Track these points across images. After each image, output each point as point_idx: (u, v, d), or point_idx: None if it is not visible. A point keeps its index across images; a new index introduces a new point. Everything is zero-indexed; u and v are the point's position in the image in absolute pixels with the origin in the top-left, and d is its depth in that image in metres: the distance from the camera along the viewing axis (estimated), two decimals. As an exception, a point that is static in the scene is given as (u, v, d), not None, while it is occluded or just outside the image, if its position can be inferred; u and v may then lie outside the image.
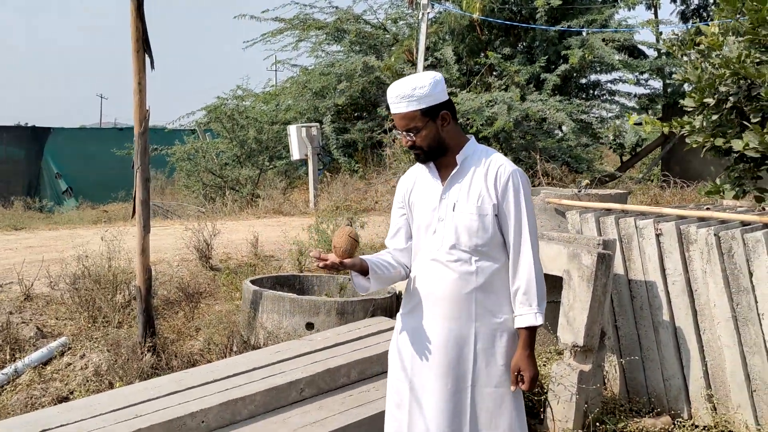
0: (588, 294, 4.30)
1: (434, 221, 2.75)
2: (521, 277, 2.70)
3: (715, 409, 4.44)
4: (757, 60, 5.66)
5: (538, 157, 13.68)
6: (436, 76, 2.71)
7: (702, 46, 6.25)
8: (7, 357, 4.77)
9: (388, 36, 17.94)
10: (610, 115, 16.90)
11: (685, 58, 6.60)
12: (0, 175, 25.36)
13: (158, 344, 4.76)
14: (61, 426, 3.17)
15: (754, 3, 5.73)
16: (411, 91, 2.64)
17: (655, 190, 14.16)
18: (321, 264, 2.65)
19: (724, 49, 5.86)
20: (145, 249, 4.72)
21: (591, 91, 17.70)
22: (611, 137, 17.70)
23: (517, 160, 14.59)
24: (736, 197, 6.22)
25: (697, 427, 4.46)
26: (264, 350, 4.27)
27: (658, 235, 4.66)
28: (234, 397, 3.55)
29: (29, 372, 4.56)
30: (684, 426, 4.43)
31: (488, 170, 2.71)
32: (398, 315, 2.95)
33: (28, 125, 27.03)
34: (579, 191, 5.40)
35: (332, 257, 2.66)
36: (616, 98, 17.35)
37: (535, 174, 13.49)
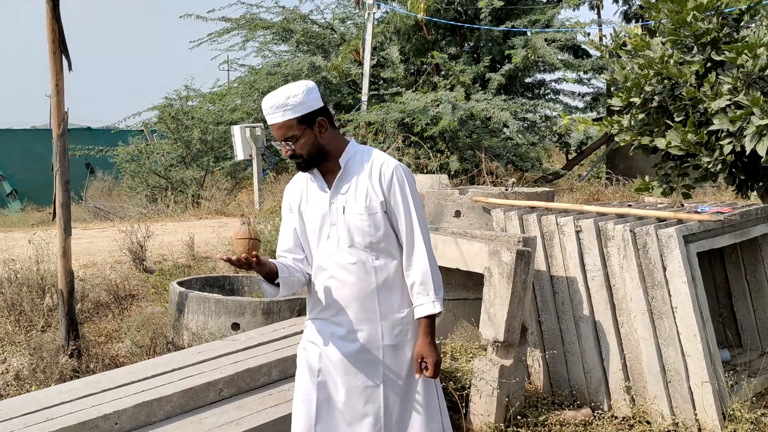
0: (508, 290, 4.38)
1: (327, 226, 2.79)
2: (416, 268, 2.76)
3: (634, 401, 4.56)
4: (680, 60, 5.83)
5: (483, 156, 13.83)
6: (308, 84, 2.74)
7: (629, 47, 6.42)
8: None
9: (335, 36, 17.98)
10: (555, 114, 17.20)
11: (612, 58, 6.77)
12: (-59, 178, 24.74)
13: (82, 347, 4.72)
14: (-32, 431, 3.14)
15: (675, 4, 5.91)
16: (285, 100, 2.67)
17: (597, 187, 14.46)
18: (225, 258, 2.64)
19: (649, 50, 6.02)
20: (66, 251, 4.67)
21: (536, 90, 17.98)
22: (556, 136, 17.99)
23: (462, 159, 14.74)
24: (663, 194, 6.40)
25: (616, 418, 4.58)
26: (186, 351, 4.27)
27: (578, 232, 4.77)
28: (149, 398, 3.54)
29: (-53, 378, 4.48)
30: (603, 417, 4.55)
31: (372, 169, 2.76)
32: (306, 320, 2.98)
33: (-30, 126, 26.39)
34: (506, 189, 5.50)
35: (238, 253, 2.68)
36: (560, 97, 17.66)
37: (479, 173, 13.65)
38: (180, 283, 5.23)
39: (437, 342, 4.58)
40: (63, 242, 4.64)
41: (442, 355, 4.89)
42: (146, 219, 9.87)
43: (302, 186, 2.90)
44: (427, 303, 2.73)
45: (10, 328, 5.27)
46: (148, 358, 4.50)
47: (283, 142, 2.72)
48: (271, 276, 2.76)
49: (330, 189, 2.80)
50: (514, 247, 4.47)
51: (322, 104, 2.77)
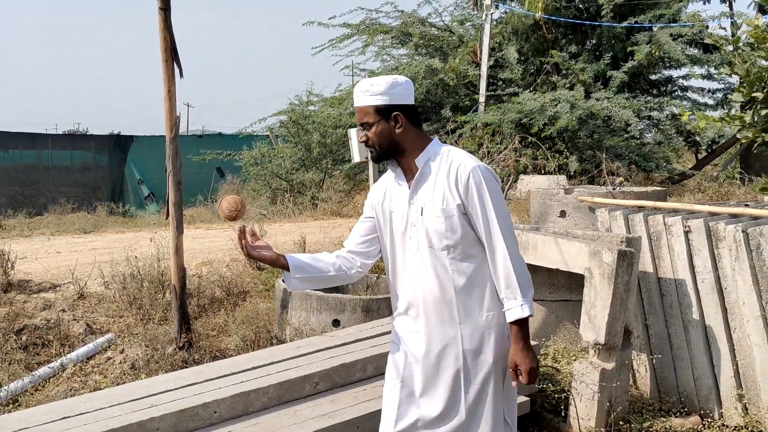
0: (609, 292, 4.25)
1: (408, 226, 2.78)
2: (500, 272, 2.68)
3: (746, 410, 4.32)
4: (806, 51, 5.47)
5: (603, 156, 13.43)
6: (398, 78, 2.75)
7: (752, 39, 6.08)
8: (56, 352, 5.07)
9: (453, 38, 17.95)
10: (687, 110, 16.37)
11: (735, 52, 6.43)
12: (88, 182, 26.68)
13: (193, 340, 4.97)
14: (81, 414, 3.37)
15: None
16: (368, 87, 2.72)
17: (729, 187, 13.70)
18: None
19: (771, 41, 5.68)
20: (178, 249, 4.93)
21: (662, 88, 17.25)
22: (684, 134, 17.17)
23: (582, 160, 14.37)
24: (791, 193, 6.02)
25: (726, 427, 4.35)
26: (285, 345, 4.41)
27: (686, 233, 4.57)
28: (248, 389, 3.68)
29: (72, 366, 4.83)
30: (713, 426, 4.33)
31: (449, 170, 2.70)
32: (392, 319, 2.99)
33: (113, 134, 28.28)
34: (613, 188, 5.33)
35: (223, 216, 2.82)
36: (688, 94, 16.86)
37: (600, 173, 13.26)
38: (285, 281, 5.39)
39: (534, 344, 4.52)
40: (175, 240, 4.90)
41: (542, 358, 4.81)
42: (266, 220, 10.23)
43: (387, 185, 2.90)
44: (514, 307, 2.65)
45: (131, 320, 5.62)
46: (252, 352, 4.67)
47: (359, 126, 2.78)
48: (285, 267, 2.82)
49: (410, 189, 2.78)
50: (615, 247, 4.33)
51: (409, 102, 2.76)
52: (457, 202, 2.67)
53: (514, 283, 2.66)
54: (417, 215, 2.74)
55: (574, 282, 5.01)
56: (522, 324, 2.66)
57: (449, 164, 2.72)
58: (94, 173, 26.97)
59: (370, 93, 2.71)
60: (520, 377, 2.69)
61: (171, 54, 4.60)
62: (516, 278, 2.66)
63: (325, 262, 2.89)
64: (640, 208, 5.05)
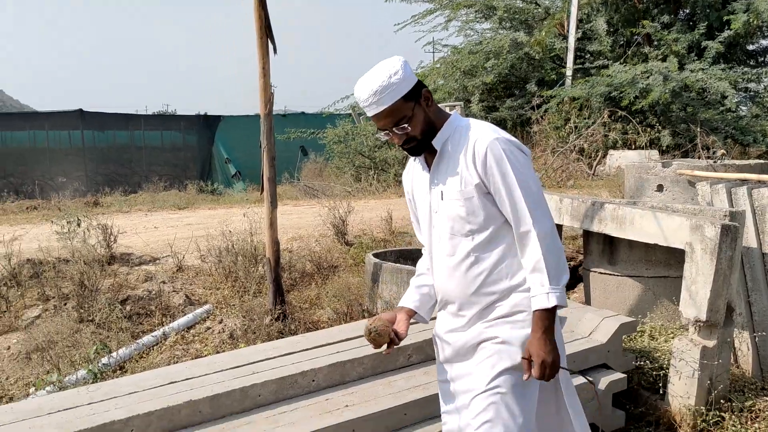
0: (711, 267, 4.12)
1: (432, 215, 2.56)
2: (528, 255, 2.38)
3: None
4: None
5: (698, 129, 12.97)
6: (400, 58, 2.45)
7: None
8: (158, 321, 5.28)
9: (539, 10, 17.58)
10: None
11: None
12: (178, 161, 27.58)
13: (287, 312, 5.09)
14: (186, 379, 3.50)
15: None
16: (388, 80, 2.37)
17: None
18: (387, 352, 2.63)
19: None
20: (272, 223, 5.04)
21: (760, 58, 16.49)
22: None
23: (675, 134, 13.92)
24: None
25: (836, 409, 4.17)
26: (379, 318, 4.45)
27: (794, 206, 4.38)
28: (344, 359, 3.75)
29: (174, 335, 5.03)
30: (821, 407, 4.16)
31: (467, 147, 2.41)
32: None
33: (201, 114, 29.07)
34: (714, 162, 5.14)
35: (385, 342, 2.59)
36: (790, 64, 16.08)
37: (694, 148, 12.82)
38: (376, 255, 5.45)
39: (630, 320, 4.42)
40: (270, 214, 5.01)
41: (638, 335, 4.70)
42: (350, 197, 10.34)
43: (412, 172, 2.69)
44: (539, 295, 2.34)
45: (228, 292, 5.79)
46: (345, 324, 4.74)
47: (395, 129, 2.43)
48: (412, 315, 2.70)
49: (430, 173, 2.54)
50: (718, 221, 4.18)
51: (417, 79, 2.47)
52: (475, 182, 2.39)
53: (543, 268, 2.34)
54: (438, 201, 2.51)
55: (673, 258, 4.87)
56: (545, 313, 2.35)
57: (467, 140, 2.42)
58: (184, 153, 27.85)
59: (393, 86, 2.37)
60: (533, 369, 2.38)
61: (265, 31, 4.68)
62: (545, 263, 2.34)
63: (428, 286, 2.73)
64: (744, 182, 4.86)
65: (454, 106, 12.82)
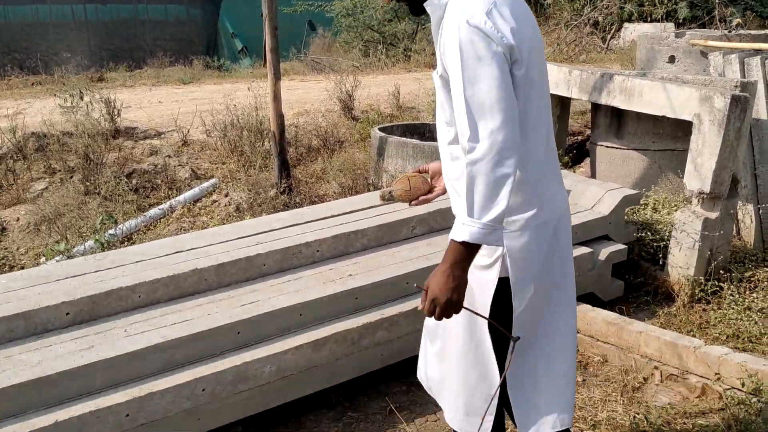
0: (718, 139, 4.08)
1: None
2: (462, 176, 1.98)
3: None
4: None
5: (716, 1, 12.51)
6: None
7: None
8: (164, 195, 5.33)
9: None
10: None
11: None
12: (183, 36, 26.96)
13: (293, 185, 5.11)
14: (192, 249, 3.56)
15: None
16: None
17: None
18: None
19: None
20: (276, 95, 4.98)
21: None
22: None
23: (692, 6, 13.45)
24: None
25: (834, 278, 4.23)
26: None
27: (808, 76, 4.28)
28: (347, 230, 3.79)
29: (181, 208, 5.08)
30: (819, 277, 4.22)
31: (442, 25, 2.00)
32: None
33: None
34: (729, 31, 4.98)
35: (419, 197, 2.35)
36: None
37: (711, 20, 12.41)
38: (381, 129, 5.41)
39: (635, 192, 4.42)
40: (273, 87, 4.94)
41: (642, 207, 4.71)
42: (358, 72, 10.17)
43: None
44: (456, 225, 1.91)
45: (234, 166, 5.81)
46: (350, 197, 4.77)
47: None
48: None
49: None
50: (729, 92, 4.10)
51: None
52: (440, 72, 2.03)
53: (470, 197, 1.88)
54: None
55: (681, 130, 4.81)
56: (459, 246, 1.90)
57: (450, 15, 1.96)
58: (189, 27, 27.18)
59: None
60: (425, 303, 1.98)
61: None
62: (468, 191, 1.88)
63: None
64: (758, 52, 4.73)
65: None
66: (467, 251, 1.91)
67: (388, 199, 2.45)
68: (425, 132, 5.82)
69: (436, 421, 3.17)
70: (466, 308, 2.00)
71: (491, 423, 2.19)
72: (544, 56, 2.09)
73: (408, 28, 15.10)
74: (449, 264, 1.91)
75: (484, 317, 2.08)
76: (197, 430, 2.86)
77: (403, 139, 5.02)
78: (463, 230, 1.88)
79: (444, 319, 1.99)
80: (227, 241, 3.67)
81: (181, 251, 3.53)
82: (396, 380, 3.49)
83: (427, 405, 3.22)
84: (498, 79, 1.86)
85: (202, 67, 18.69)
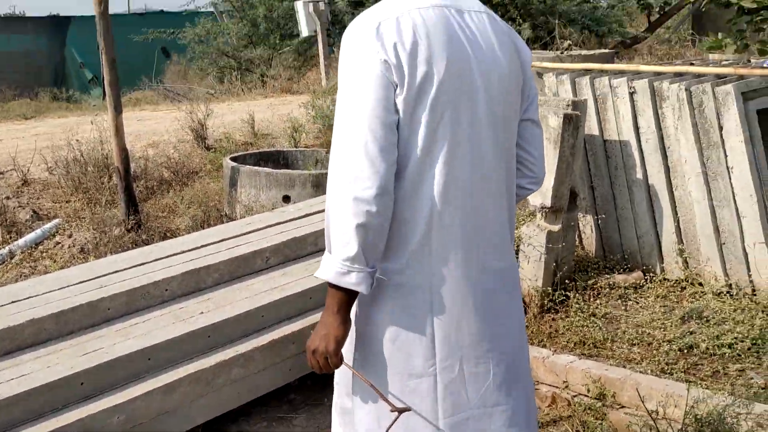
0: (555, 155, 4.29)
1: None
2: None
3: (687, 264, 4.49)
4: None
5: (556, 21, 13.25)
6: None
7: None
8: (2, 239, 5.01)
9: None
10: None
11: None
12: (28, 67, 25.65)
13: (142, 221, 4.94)
14: (30, 297, 3.36)
15: None
16: None
17: (679, 50, 13.70)
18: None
19: None
20: (119, 129, 4.81)
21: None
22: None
23: (534, 27, 14.17)
24: (737, 51, 6.01)
25: (668, 280, 4.53)
26: (235, 222, 4.41)
27: (631, 94, 4.58)
28: (198, 266, 3.70)
29: (21, 253, 4.79)
30: (655, 280, 4.50)
31: None
32: None
33: (51, 15, 26.99)
34: (561, 53, 5.27)
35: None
36: (642, -46, 16.54)
37: (553, 40, 13.12)
38: (234, 159, 5.35)
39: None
40: (114, 120, 4.78)
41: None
42: (214, 99, 10.01)
43: None
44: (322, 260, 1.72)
45: (78, 204, 5.54)
46: (201, 230, 4.67)
47: None
48: None
49: None
50: (561, 111, 4.33)
51: None
52: None
53: (329, 226, 1.71)
54: None
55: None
56: (328, 286, 1.71)
57: None
58: (35, 58, 25.89)
59: None
60: None
61: None
62: (330, 222, 1.70)
63: None
64: (587, 72, 5.02)
65: (318, 2, 12.47)
66: (335, 293, 1.69)
67: None
68: (280, 159, 5.80)
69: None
70: (345, 363, 1.78)
71: None
72: (499, 97, 1.77)
73: (264, 54, 15.04)
74: (325, 308, 1.73)
75: (361, 377, 1.78)
76: (39, 493, 2.68)
77: (256, 168, 4.98)
78: (322, 265, 1.70)
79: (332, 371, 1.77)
80: (69, 286, 3.49)
81: (17, 300, 3.33)
82: (258, 416, 3.43)
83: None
84: (365, 92, 1.62)
85: (49, 99, 17.85)
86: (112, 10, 4.63)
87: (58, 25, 26.11)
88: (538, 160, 1.97)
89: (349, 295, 1.69)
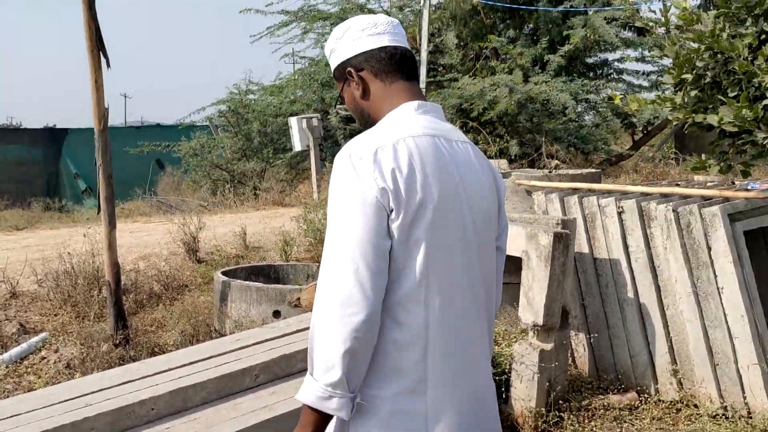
0: (546, 273, 4.31)
1: None
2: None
3: (681, 384, 4.44)
4: (732, 33, 5.60)
5: (543, 139, 13.62)
6: (350, 22, 1.88)
7: (681, 22, 6.20)
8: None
9: (392, 24, 17.90)
10: (618, 93, 16.71)
11: (665, 34, 6.56)
12: (22, 177, 25.97)
13: (130, 336, 4.88)
14: (13, 416, 3.26)
15: (725, -25, 5.67)
16: (334, 42, 1.90)
17: (663, 168, 14.05)
18: None
19: (699, 25, 5.80)
20: (111, 244, 4.82)
21: (599, 71, 17.56)
22: (621, 116, 17.52)
23: (522, 143, 14.54)
24: (721, 172, 6.17)
25: (662, 402, 4.46)
26: (224, 339, 4.35)
27: (620, 213, 4.66)
28: (185, 384, 3.62)
29: (5, 367, 4.69)
30: (650, 401, 4.44)
31: None
32: None
33: (48, 126, 27.59)
34: (549, 172, 5.40)
35: None
36: (624, 77, 17.22)
37: (540, 157, 13.45)
38: (225, 273, 5.34)
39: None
40: (108, 235, 4.79)
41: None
42: (206, 211, 10.10)
43: None
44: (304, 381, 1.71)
45: (66, 318, 5.48)
46: (190, 346, 4.60)
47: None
48: None
49: None
50: (551, 229, 4.39)
51: (364, 48, 1.83)
52: None
53: (311, 349, 1.68)
54: None
55: (513, 265, 5.05)
56: (305, 407, 1.69)
57: None
58: (29, 168, 26.27)
59: (330, 53, 1.92)
60: None
61: (96, 43, 4.47)
62: (314, 343, 1.67)
63: None
64: (575, 190, 5.13)
65: (311, 118, 12.81)
66: (311, 413, 1.66)
67: (296, 305, 2.36)
68: (271, 273, 5.79)
69: None
70: None
71: None
72: (481, 223, 1.82)
73: (257, 167, 15.32)
74: (299, 425, 1.69)
75: None
76: None
77: (246, 282, 4.97)
78: (303, 389, 1.68)
79: None
80: (52, 404, 3.39)
81: (1, 419, 3.23)
82: None
83: None
84: (353, 220, 1.63)
85: (41, 209, 17.96)
86: (108, 122, 4.74)
87: (54, 136, 26.63)
88: (498, 286, 2.01)
89: (324, 417, 1.67)
